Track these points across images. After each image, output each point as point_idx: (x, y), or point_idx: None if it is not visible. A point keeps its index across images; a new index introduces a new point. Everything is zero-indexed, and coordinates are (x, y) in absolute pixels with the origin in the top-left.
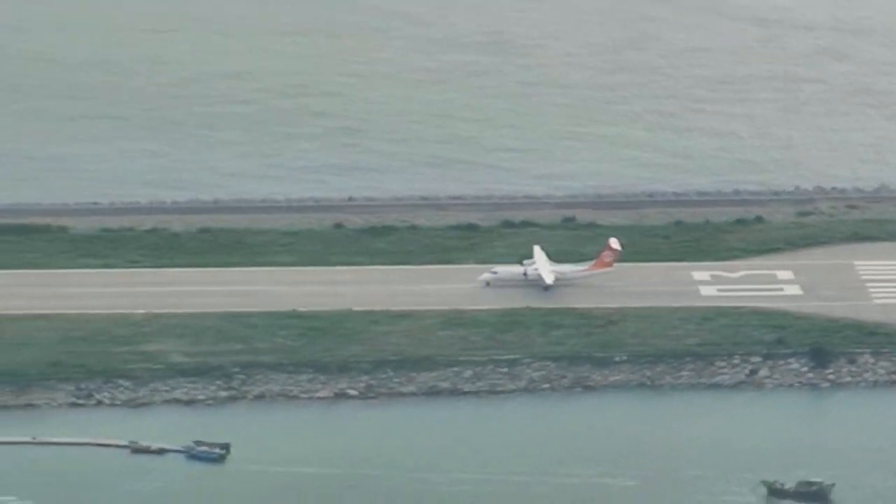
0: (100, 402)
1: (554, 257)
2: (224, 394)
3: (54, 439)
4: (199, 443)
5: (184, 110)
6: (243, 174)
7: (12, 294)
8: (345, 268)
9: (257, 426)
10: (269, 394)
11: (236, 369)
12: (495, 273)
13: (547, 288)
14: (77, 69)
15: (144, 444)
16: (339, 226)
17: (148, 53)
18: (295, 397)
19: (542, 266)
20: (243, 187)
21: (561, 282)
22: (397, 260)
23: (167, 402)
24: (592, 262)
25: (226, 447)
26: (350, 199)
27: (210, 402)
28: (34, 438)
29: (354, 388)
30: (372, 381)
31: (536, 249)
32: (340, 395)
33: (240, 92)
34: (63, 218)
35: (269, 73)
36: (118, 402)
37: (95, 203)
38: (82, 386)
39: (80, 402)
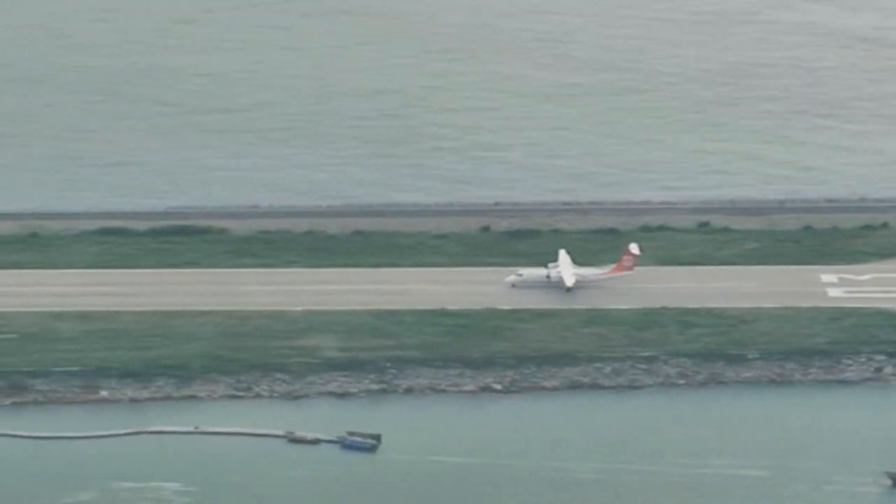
0: (258, 395)
1: (688, 260)
2: (376, 387)
3: (215, 429)
4: (351, 433)
5: (331, 124)
6: (392, 183)
7: (177, 291)
8: (491, 268)
9: (407, 418)
10: (419, 387)
11: (388, 364)
12: (520, 275)
13: (568, 290)
14: (221, 84)
15: (300, 434)
16: (485, 229)
17: (291, 69)
18: (443, 391)
19: (565, 269)
20: (396, 192)
21: (582, 284)
22: (541, 261)
23: (322, 394)
24: (613, 266)
25: (377, 438)
26: (496, 203)
27: (362, 394)
28: (196, 428)
29: (499, 383)
30: (516, 376)
31: (561, 253)
32: (486, 389)
33: (386, 106)
34: (224, 220)
35: (412, 90)
36: (276, 395)
37: (254, 206)
38: (242, 378)
39: (240, 394)
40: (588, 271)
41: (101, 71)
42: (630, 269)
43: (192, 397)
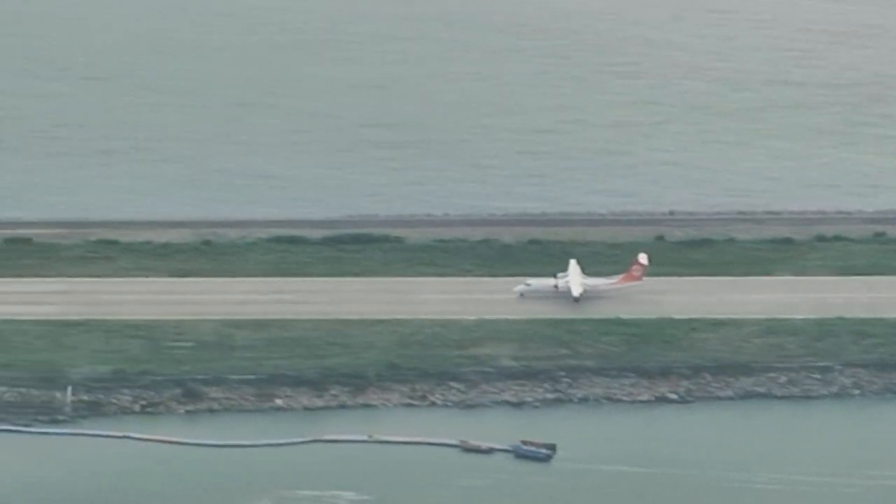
0: (433, 403)
1: (864, 270)
2: (550, 396)
3: (389, 438)
4: (526, 442)
5: (505, 137)
6: (566, 193)
7: (353, 300)
8: (665, 278)
9: (582, 427)
10: (594, 396)
11: (562, 373)
12: (529, 285)
13: (577, 300)
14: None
15: (474, 443)
16: (660, 238)
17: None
18: (618, 400)
19: (573, 279)
20: (573, 199)
21: (591, 294)
22: (716, 271)
23: (496, 403)
24: (622, 276)
25: (552, 447)
26: (671, 212)
27: (537, 403)
28: (370, 437)
29: (674, 392)
30: (691, 386)
31: (571, 263)
32: (661, 399)
33: (565, 119)
34: (400, 229)
35: (586, 105)
36: (450, 403)
37: (429, 215)
38: (417, 387)
39: (415, 402)
40: (598, 281)
41: (254, 83)
42: (639, 279)
43: (367, 406)
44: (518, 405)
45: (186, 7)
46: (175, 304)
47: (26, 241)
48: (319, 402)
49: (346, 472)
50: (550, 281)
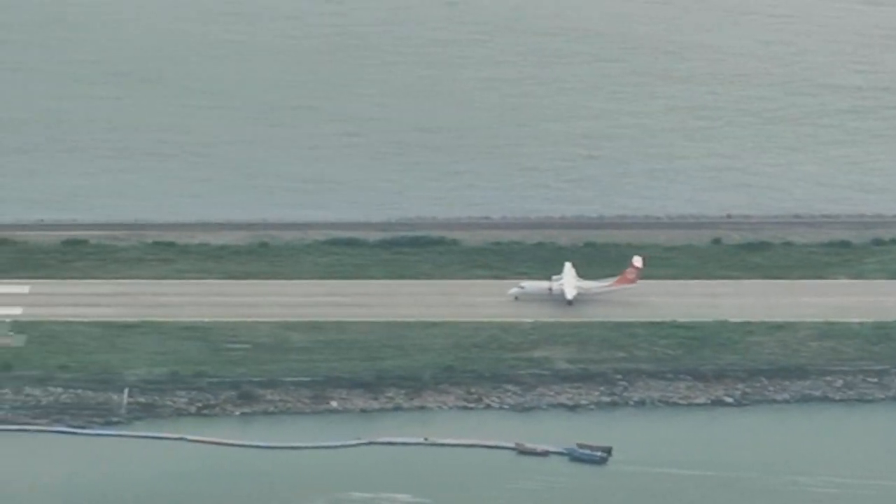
0: (488, 406)
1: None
2: (606, 399)
3: (445, 440)
4: (581, 445)
5: (561, 141)
6: (621, 195)
7: (409, 302)
8: (722, 281)
9: (638, 430)
10: (649, 400)
11: (618, 376)
12: (523, 288)
13: (570, 303)
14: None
15: (530, 446)
16: (716, 241)
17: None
18: (674, 403)
19: (567, 282)
20: (629, 202)
21: (585, 297)
22: (772, 274)
23: (552, 406)
24: (616, 279)
25: (608, 450)
26: (728, 216)
27: (592, 406)
28: (426, 439)
29: (730, 396)
30: (747, 389)
31: (567, 266)
32: (717, 402)
33: (620, 124)
34: (456, 231)
35: (649, 110)
36: (506, 406)
37: (486, 217)
38: (472, 390)
39: (470, 405)
40: (592, 284)
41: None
42: (633, 281)
43: (423, 408)
44: (573, 408)
45: (239, 10)
46: (231, 306)
47: (82, 242)
48: (375, 405)
49: (401, 474)
50: (545, 283)
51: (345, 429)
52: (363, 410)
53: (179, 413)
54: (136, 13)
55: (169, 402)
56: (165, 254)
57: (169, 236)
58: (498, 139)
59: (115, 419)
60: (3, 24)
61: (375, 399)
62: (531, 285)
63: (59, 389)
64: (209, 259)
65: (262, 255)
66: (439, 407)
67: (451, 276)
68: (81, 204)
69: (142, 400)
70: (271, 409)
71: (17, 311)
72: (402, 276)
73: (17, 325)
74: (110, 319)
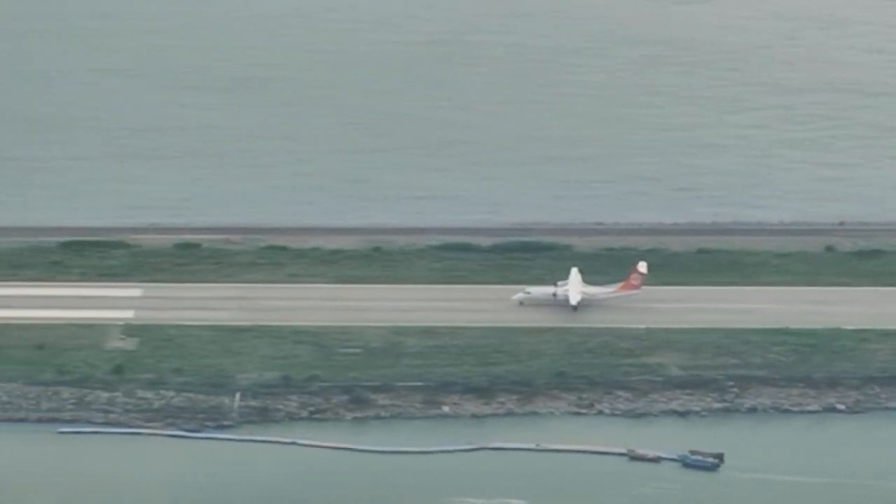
0: (600, 412)
1: None
2: (718, 406)
3: (556, 446)
4: (693, 452)
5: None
6: (736, 202)
7: (523, 308)
8: (835, 288)
9: (750, 437)
10: (762, 407)
11: (730, 383)
12: (528, 293)
13: (575, 308)
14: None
15: (641, 451)
16: (829, 248)
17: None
18: (786, 410)
19: (572, 287)
20: (738, 210)
21: (590, 302)
22: (886, 281)
23: (664, 412)
24: (621, 284)
25: (719, 457)
26: (841, 223)
27: (704, 413)
28: (537, 445)
29: (843, 403)
30: (860, 396)
31: (573, 271)
32: (829, 409)
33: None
34: (569, 237)
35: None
36: (617, 412)
37: (599, 223)
38: (584, 396)
39: (582, 411)
40: (597, 290)
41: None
42: (637, 287)
43: (534, 413)
44: (685, 414)
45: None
46: (344, 311)
47: (195, 246)
48: (487, 410)
49: (512, 479)
50: (550, 289)
51: (456, 434)
52: (475, 415)
53: (291, 417)
54: (239, 24)
55: (281, 406)
56: (278, 258)
57: (282, 240)
58: (607, 149)
59: (227, 423)
60: (118, 33)
61: (487, 404)
62: (536, 290)
63: (172, 393)
64: (322, 263)
65: (375, 259)
66: (551, 412)
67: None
68: (194, 208)
69: (254, 404)
70: (383, 413)
71: (129, 314)
72: (514, 282)
73: (130, 329)
74: (223, 323)
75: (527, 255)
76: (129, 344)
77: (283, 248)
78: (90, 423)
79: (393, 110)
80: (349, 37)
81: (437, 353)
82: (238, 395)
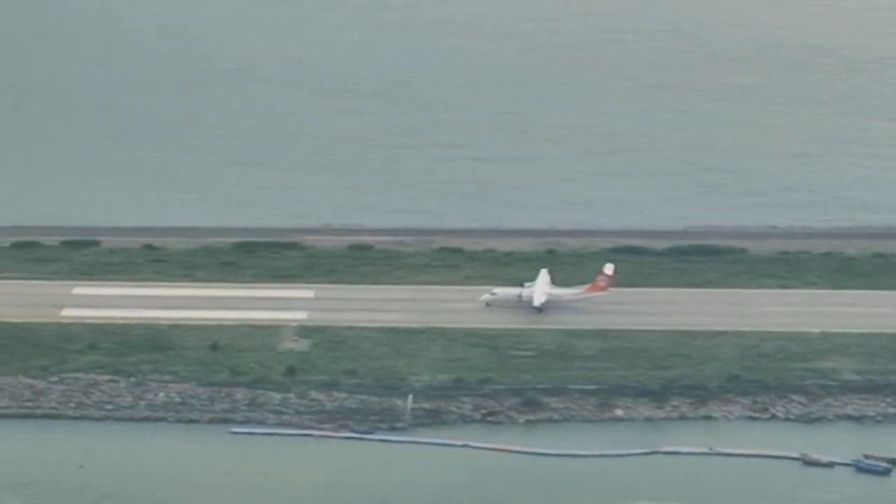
0: (774, 416)
1: None
2: (893, 411)
3: (730, 450)
4: (867, 457)
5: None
6: None
7: (696, 311)
8: None
9: None
10: None
11: None
12: (494, 294)
13: (539, 310)
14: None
15: (815, 456)
16: None
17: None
18: None
19: (538, 289)
20: None
21: (556, 304)
22: None
23: (838, 417)
24: (588, 286)
25: (893, 462)
26: None
27: (879, 417)
28: (710, 449)
29: None
30: None
31: (542, 272)
32: None
33: None
34: (743, 241)
35: None
36: (791, 417)
37: (773, 227)
38: (758, 400)
39: (755, 415)
40: (563, 291)
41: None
42: (605, 289)
43: (708, 417)
44: (860, 419)
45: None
46: (518, 313)
47: (367, 248)
48: (660, 414)
49: (685, 484)
50: (515, 290)
51: (629, 437)
52: (648, 419)
53: (463, 420)
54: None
55: (453, 409)
56: (452, 260)
57: (456, 243)
58: (781, 155)
59: (399, 425)
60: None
61: (660, 408)
62: (503, 292)
63: (344, 394)
64: (496, 265)
65: (548, 261)
66: (724, 417)
67: (738, 285)
68: (366, 210)
69: (426, 406)
70: (555, 416)
71: (302, 315)
72: (688, 285)
73: (303, 330)
74: (397, 325)
75: (701, 259)
76: (302, 345)
77: (458, 251)
78: (262, 424)
79: (554, 118)
80: (504, 43)
81: (609, 357)
82: (410, 398)
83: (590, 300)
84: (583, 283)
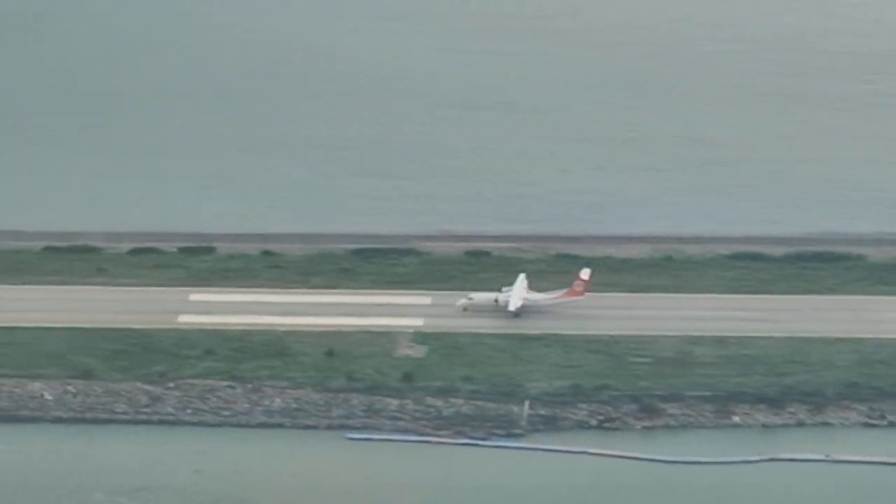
0: (891, 423)
1: None
2: None
3: (847, 457)
4: None
5: None
6: None
7: (814, 318)
8: None
9: None
10: None
11: None
12: (471, 299)
13: (516, 315)
14: None
15: None
16: None
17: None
18: None
19: (514, 293)
20: None
21: (533, 308)
22: None
23: None
24: (563, 292)
25: None
26: None
27: None
28: (828, 456)
29: None
30: None
31: (520, 277)
32: None
33: None
34: (862, 247)
35: None
36: None
37: (893, 233)
38: (875, 406)
39: (873, 422)
40: (540, 296)
41: None
42: (581, 294)
43: (825, 424)
44: None
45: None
46: (634, 320)
47: (485, 254)
48: (777, 420)
49: (801, 491)
50: (492, 295)
51: (746, 444)
52: (765, 425)
53: (580, 426)
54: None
55: (570, 415)
56: (569, 266)
57: (574, 249)
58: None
59: (516, 431)
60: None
61: (777, 414)
62: (479, 296)
63: (461, 401)
64: (612, 272)
65: (665, 268)
66: (842, 423)
67: (856, 291)
68: (481, 215)
69: (543, 412)
70: (672, 422)
71: (418, 321)
72: (806, 291)
73: (420, 336)
74: (514, 331)
75: (820, 265)
76: (419, 351)
77: (575, 257)
78: (379, 430)
79: (671, 128)
80: (616, 49)
81: (727, 363)
82: (527, 404)
83: (566, 305)
84: (563, 287)
